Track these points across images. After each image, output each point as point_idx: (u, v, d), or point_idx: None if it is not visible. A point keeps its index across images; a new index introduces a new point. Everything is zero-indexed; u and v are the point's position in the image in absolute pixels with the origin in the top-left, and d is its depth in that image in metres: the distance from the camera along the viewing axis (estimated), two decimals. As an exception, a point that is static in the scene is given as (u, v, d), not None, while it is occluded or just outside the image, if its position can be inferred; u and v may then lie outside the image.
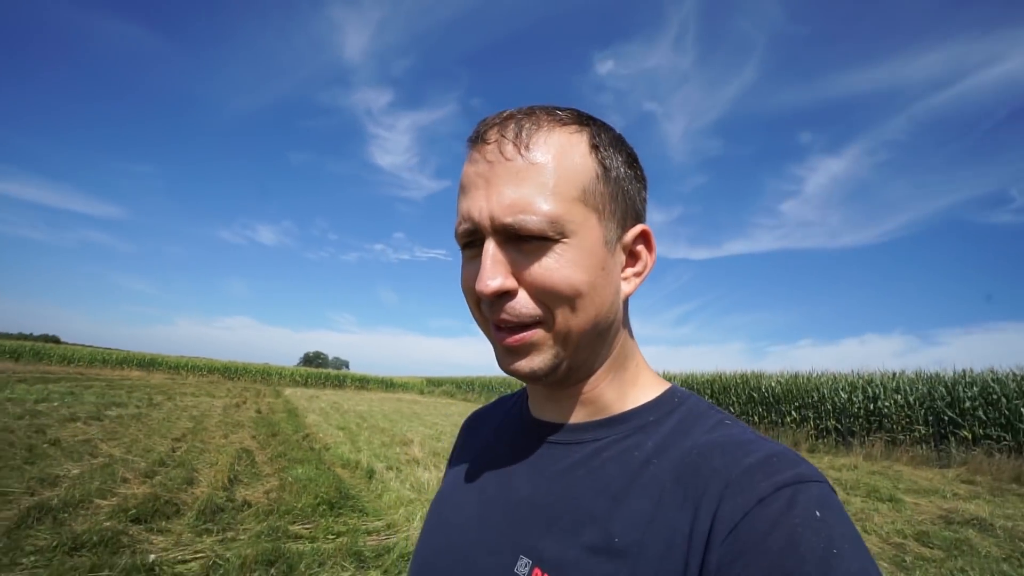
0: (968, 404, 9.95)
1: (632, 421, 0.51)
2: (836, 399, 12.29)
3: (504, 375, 0.61)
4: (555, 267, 0.45)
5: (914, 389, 11.17)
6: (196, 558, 3.25)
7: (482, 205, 0.46)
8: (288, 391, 26.06)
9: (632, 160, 0.52)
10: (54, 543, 3.14)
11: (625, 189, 0.50)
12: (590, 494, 0.47)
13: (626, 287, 0.51)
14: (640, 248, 0.52)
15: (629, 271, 0.51)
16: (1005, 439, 9.05)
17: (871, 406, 11.59)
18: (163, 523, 3.81)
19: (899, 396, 11.18)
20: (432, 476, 6.24)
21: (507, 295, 0.46)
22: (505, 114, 0.49)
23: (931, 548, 4.23)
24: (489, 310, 0.48)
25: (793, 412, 13.14)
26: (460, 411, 20.67)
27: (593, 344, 0.50)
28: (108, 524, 3.52)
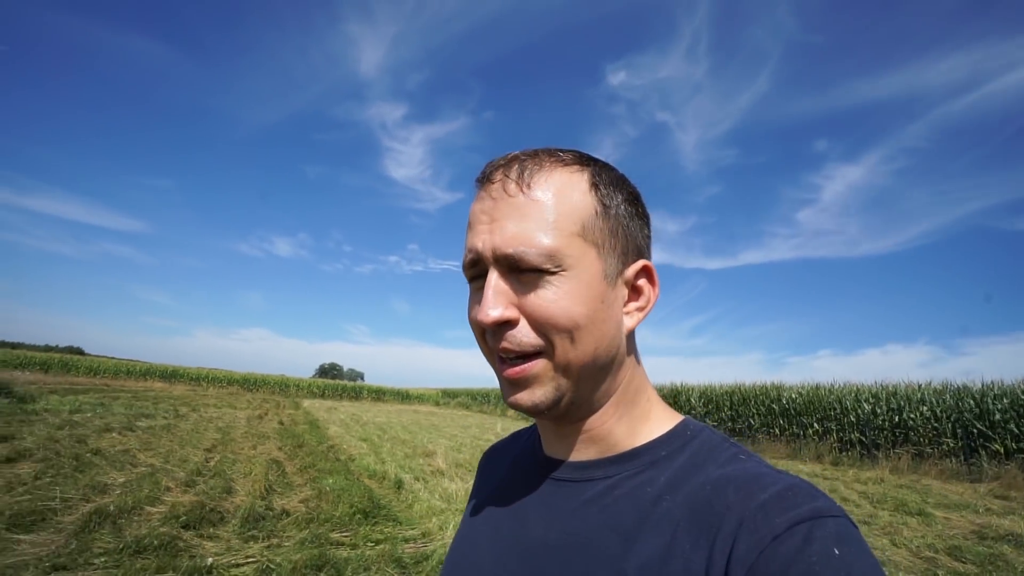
0: (999, 417, 9.75)
1: (644, 457, 0.50)
2: (859, 411, 12.12)
3: None
4: (553, 299, 0.46)
5: (941, 401, 10.98)
6: (248, 562, 3.42)
7: (486, 238, 0.48)
8: (306, 403, 26.36)
9: (634, 198, 0.53)
10: (119, 546, 3.35)
11: (626, 226, 0.51)
12: (603, 533, 0.46)
13: (628, 321, 0.51)
14: (643, 283, 0.53)
15: (632, 305, 0.52)
16: (1039, 453, 8.86)
17: (896, 418, 11.42)
18: (211, 529, 4.00)
19: (925, 408, 11.01)
20: (459, 487, 6.35)
21: (508, 324, 0.47)
22: (510, 156, 0.51)
23: (964, 563, 4.20)
24: (492, 339, 0.49)
25: (815, 424, 12.97)
26: (477, 423, 20.75)
27: (595, 377, 0.50)
28: (163, 529, 3.71)
